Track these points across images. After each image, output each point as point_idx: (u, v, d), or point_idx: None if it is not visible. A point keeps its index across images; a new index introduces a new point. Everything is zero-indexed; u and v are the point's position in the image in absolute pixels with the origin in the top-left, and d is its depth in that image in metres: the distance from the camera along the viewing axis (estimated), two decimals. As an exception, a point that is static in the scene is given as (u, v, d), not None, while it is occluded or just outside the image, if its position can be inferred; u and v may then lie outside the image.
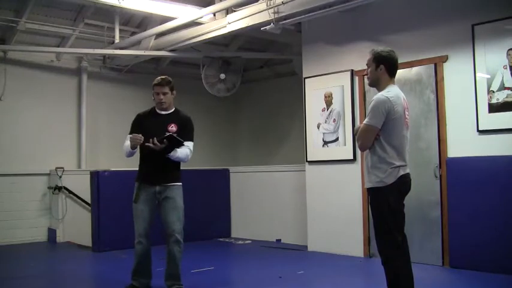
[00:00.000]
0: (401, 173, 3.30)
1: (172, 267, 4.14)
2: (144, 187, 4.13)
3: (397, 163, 3.28)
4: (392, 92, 3.33)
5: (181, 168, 4.31)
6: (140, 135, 3.98)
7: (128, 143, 4.09)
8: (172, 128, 4.11)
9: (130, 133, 4.15)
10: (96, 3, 6.44)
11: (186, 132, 4.17)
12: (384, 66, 3.36)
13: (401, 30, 5.59)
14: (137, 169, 4.28)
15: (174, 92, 4.22)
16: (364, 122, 3.34)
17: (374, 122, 3.26)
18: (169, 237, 4.10)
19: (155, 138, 3.92)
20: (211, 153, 9.55)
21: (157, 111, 4.23)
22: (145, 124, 4.17)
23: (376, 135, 3.29)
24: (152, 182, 4.11)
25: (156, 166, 4.09)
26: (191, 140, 4.21)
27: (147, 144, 3.95)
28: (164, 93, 4.14)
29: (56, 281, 5.15)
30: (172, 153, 4.02)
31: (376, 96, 3.35)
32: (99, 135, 8.38)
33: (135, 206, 4.15)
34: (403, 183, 3.33)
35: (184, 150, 4.11)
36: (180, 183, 4.21)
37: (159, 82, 4.16)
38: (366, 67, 3.50)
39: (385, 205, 3.28)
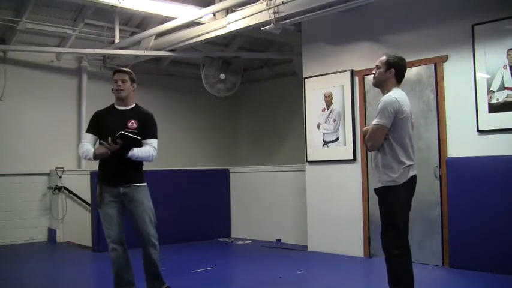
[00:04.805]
0: (411, 173, 3.39)
1: (152, 270, 3.91)
2: (107, 189, 3.82)
3: (408, 162, 3.37)
4: (398, 93, 3.44)
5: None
6: (105, 149, 3.67)
7: (88, 146, 3.84)
8: (132, 124, 3.81)
9: (88, 131, 3.96)
10: (96, 3, 6.43)
11: (148, 130, 3.88)
12: (395, 70, 3.47)
13: (401, 30, 5.59)
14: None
15: (135, 85, 3.94)
16: (374, 122, 3.41)
17: (383, 122, 3.34)
18: (143, 241, 3.86)
19: (109, 138, 3.63)
20: (211, 153, 9.57)
21: (116, 107, 3.95)
22: (103, 121, 3.89)
23: (385, 135, 3.36)
24: (114, 183, 3.80)
25: (117, 166, 3.78)
26: (154, 137, 3.90)
27: (102, 145, 3.69)
28: (123, 81, 3.87)
29: (56, 281, 5.15)
30: (131, 154, 3.70)
31: (383, 97, 3.44)
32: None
33: (101, 211, 3.84)
34: (412, 184, 3.42)
35: (146, 149, 3.80)
36: (145, 184, 3.90)
37: (119, 69, 3.97)
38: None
39: (396, 204, 3.36)
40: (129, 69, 3.99)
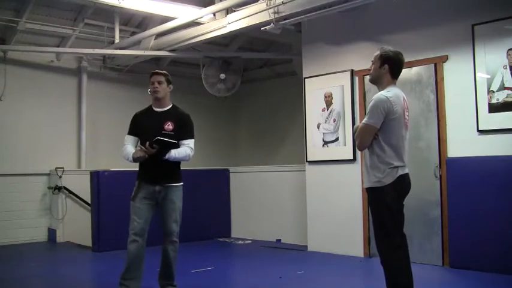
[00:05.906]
0: (400, 173, 3.30)
1: (167, 267, 4.09)
2: (144, 186, 4.02)
3: (396, 163, 3.28)
4: (392, 92, 3.32)
5: (182, 168, 4.24)
6: (143, 152, 3.88)
7: (130, 149, 4.04)
8: (169, 126, 3.99)
9: (129, 133, 4.12)
10: (96, 3, 6.43)
11: (184, 131, 4.05)
12: (388, 66, 3.36)
13: (401, 30, 5.59)
14: (137, 169, 4.23)
15: (171, 86, 4.11)
16: (363, 121, 3.34)
17: (373, 122, 3.27)
18: (166, 238, 4.05)
19: (147, 143, 3.84)
20: (211, 153, 9.55)
21: (154, 108, 4.12)
22: (141, 123, 4.08)
23: (374, 135, 3.29)
24: (152, 181, 4.00)
25: (156, 165, 3.96)
26: (191, 137, 4.09)
27: (140, 149, 3.90)
28: (159, 82, 4.03)
29: (56, 281, 5.14)
30: (168, 156, 3.90)
31: (375, 95, 3.34)
32: (99, 135, 8.38)
33: (133, 204, 4.03)
34: (402, 184, 3.32)
35: (183, 150, 3.99)
36: (181, 183, 4.11)
37: (156, 71, 4.12)
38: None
39: (383, 205, 3.29)
40: (165, 71, 4.14)
